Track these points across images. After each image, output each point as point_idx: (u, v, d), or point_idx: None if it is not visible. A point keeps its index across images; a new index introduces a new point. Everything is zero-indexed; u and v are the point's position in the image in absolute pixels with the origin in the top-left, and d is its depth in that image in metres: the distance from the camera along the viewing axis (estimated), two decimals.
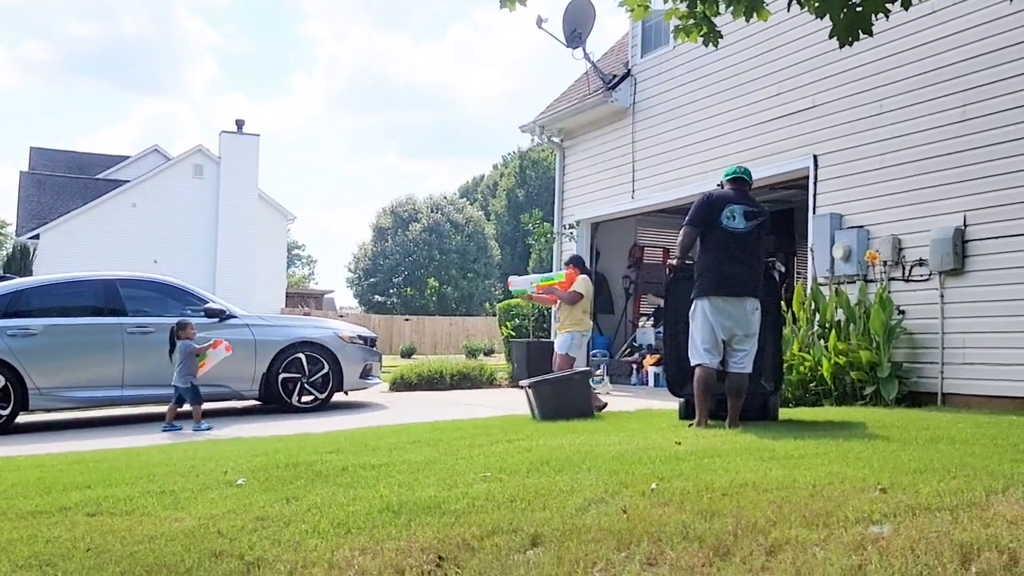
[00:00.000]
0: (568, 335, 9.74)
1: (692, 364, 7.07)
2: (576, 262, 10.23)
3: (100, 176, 40.73)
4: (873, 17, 4.75)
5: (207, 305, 11.15)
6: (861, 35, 4.72)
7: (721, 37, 5.69)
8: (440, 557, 3.47)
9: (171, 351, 9.89)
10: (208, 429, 9.38)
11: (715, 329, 6.92)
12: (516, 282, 10.58)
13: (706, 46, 5.20)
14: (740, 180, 7.26)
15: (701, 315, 6.99)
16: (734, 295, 6.93)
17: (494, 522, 3.83)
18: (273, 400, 11.18)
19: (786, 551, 3.30)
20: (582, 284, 9.82)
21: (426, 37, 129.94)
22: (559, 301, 9.90)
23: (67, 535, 4.06)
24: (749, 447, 5.57)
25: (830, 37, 4.88)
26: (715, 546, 3.40)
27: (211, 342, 9.93)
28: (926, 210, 9.59)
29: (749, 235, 7.01)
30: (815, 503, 3.86)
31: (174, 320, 10.82)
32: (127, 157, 43.81)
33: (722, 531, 3.54)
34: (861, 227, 10.33)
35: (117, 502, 4.73)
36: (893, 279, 9.90)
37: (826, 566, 3.12)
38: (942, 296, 9.39)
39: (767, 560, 3.25)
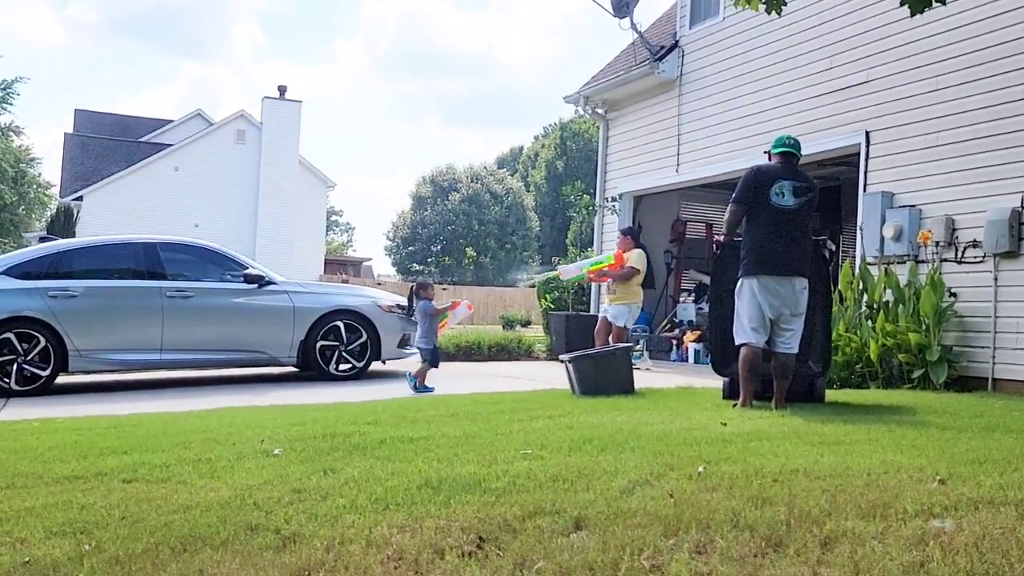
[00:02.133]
0: (625, 307, 9.68)
1: (737, 343, 6.90)
2: (631, 232, 10.13)
3: (143, 139, 41.04)
4: None
5: (246, 271, 11.11)
6: (934, 3, 4.50)
7: (785, 4, 5.47)
8: (481, 538, 3.36)
9: (410, 311, 9.95)
10: (431, 391, 9.35)
11: (763, 308, 6.74)
12: (567, 271, 10.50)
13: (768, 13, 5.00)
14: (789, 154, 7.05)
15: (748, 294, 6.81)
16: (783, 274, 6.75)
17: (536, 502, 3.72)
18: (311, 367, 11.14)
19: (842, 544, 3.15)
20: (637, 259, 9.72)
21: (469, 4, 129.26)
22: (607, 276, 9.78)
23: (102, 502, 4.00)
24: (797, 430, 5.42)
25: (901, 4, 4.66)
26: (767, 536, 3.26)
27: (451, 303, 10.08)
28: (981, 190, 9.31)
29: (799, 212, 6.82)
30: (871, 493, 3.71)
31: (213, 285, 10.83)
32: (170, 121, 44.10)
33: (774, 520, 3.40)
34: (913, 206, 10.05)
35: (153, 469, 4.68)
36: (945, 260, 9.64)
37: (885, 561, 2.98)
38: (996, 279, 9.12)
39: (823, 553, 3.10)
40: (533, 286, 15.95)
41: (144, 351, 10.51)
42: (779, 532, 3.30)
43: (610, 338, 9.81)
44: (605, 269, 9.78)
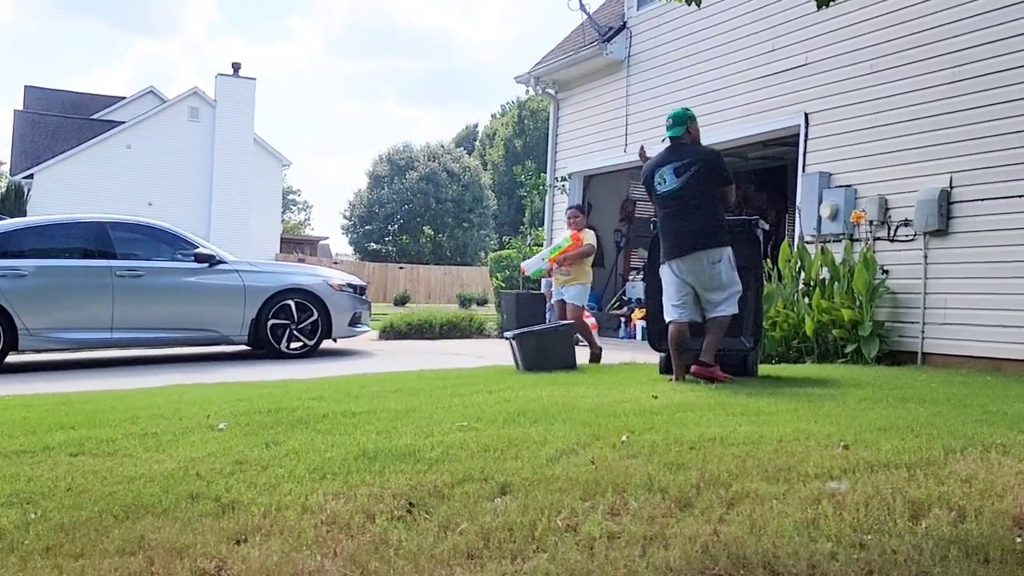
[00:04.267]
0: (581, 286, 9.85)
1: (666, 322, 7.18)
2: (581, 208, 10.41)
3: (95, 117, 40.52)
4: None
5: (197, 250, 11.20)
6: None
7: None
8: (411, 503, 3.56)
9: None
10: None
11: (679, 288, 7.08)
12: (530, 265, 10.55)
13: (688, 4, 5.17)
14: (671, 138, 7.27)
15: (666, 277, 7.21)
16: (685, 255, 7.03)
17: (465, 470, 3.94)
18: (262, 346, 11.28)
19: (744, 504, 3.41)
20: (591, 236, 9.93)
21: None
22: (570, 259, 9.90)
23: (49, 474, 4.15)
24: (723, 403, 5.68)
25: None
26: (677, 498, 3.51)
27: None
28: (913, 171, 9.63)
29: (685, 189, 7.05)
30: (778, 458, 3.97)
31: (164, 264, 10.91)
32: (122, 98, 43.57)
33: (685, 483, 3.64)
34: (849, 186, 10.37)
35: (100, 443, 4.82)
36: (879, 239, 9.97)
37: (781, 519, 3.23)
38: (926, 257, 9.46)
39: (725, 512, 3.35)
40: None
41: (94, 330, 10.59)
42: (688, 494, 3.54)
43: (555, 317, 10.02)
44: (568, 252, 9.93)
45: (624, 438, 4.43)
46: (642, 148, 8.08)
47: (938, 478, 3.64)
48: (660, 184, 7.13)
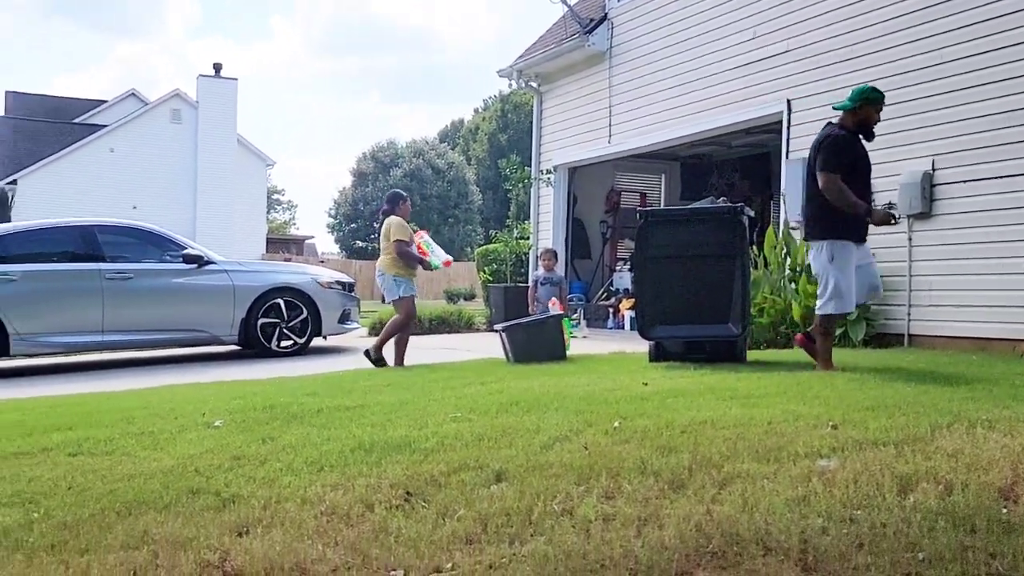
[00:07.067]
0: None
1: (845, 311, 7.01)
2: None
3: (77, 121, 40.34)
4: None
5: (185, 251, 11.22)
6: None
7: None
8: (408, 492, 3.62)
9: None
10: None
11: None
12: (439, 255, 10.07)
13: None
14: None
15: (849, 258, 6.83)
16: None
17: (461, 459, 4.00)
18: (253, 345, 11.31)
19: (736, 484, 3.47)
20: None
21: None
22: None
23: (49, 474, 4.20)
24: (713, 387, 5.75)
25: None
26: (670, 480, 3.57)
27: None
28: (896, 154, 9.69)
29: (808, 175, 6.99)
30: (768, 439, 4.04)
31: (153, 266, 10.93)
32: (104, 102, 43.36)
33: (678, 466, 3.71)
34: None
35: (98, 443, 4.87)
36: None
37: (772, 496, 3.30)
38: (910, 239, 9.54)
39: (718, 492, 3.41)
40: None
41: (85, 333, 10.60)
42: (681, 476, 3.61)
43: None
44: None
45: (616, 424, 4.50)
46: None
47: (925, 454, 3.71)
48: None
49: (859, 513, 3.12)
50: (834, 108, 7.09)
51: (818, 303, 6.93)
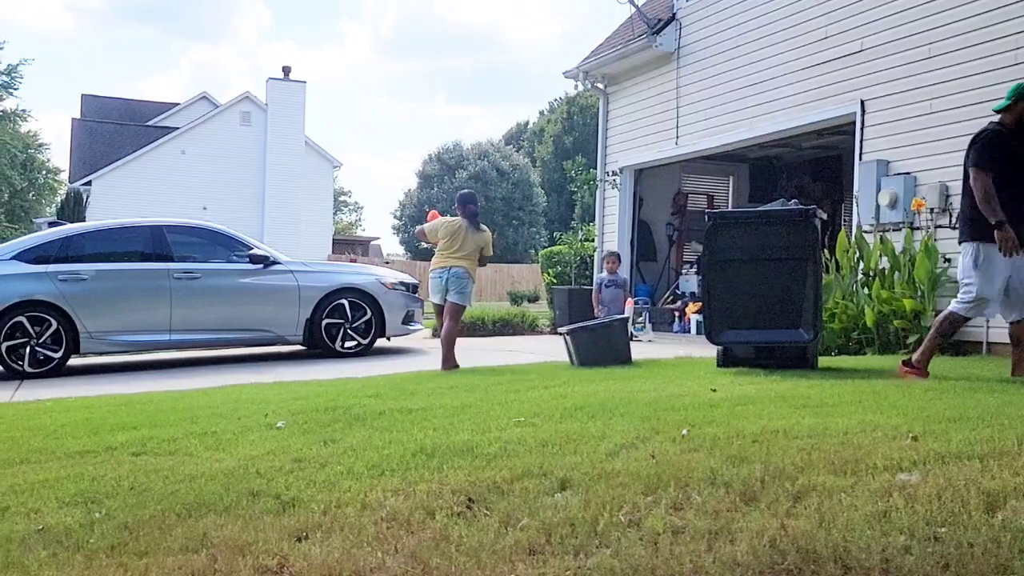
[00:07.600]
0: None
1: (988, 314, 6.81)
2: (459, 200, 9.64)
3: (150, 123, 41.20)
4: None
5: (251, 251, 11.29)
6: None
7: None
8: (470, 499, 3.53)
9: None
10: None
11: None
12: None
13: None
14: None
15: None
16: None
17: (524, 466, 3.90)
18: (317, 345, 11.34)
19: (811, 497, 3.32)
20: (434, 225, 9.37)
21: None
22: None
23: (112, 474, 4.20)
24: (784, 395, 5.58)
25: None
26: (742, 492, 3.43)
27: None
28: None
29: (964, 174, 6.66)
30: (844, 451, 3.87)
31: (220, 266, 11.02)
32: (176, 104, 44.24)
33: (749, 477, 3.56)
34: (908, 174, 10.16)
35: (161, 443, 4.87)
36: (940, 227, 9.75)
37: (851, 512, 3.14)
38: None
39: (792, 506, 3.26)
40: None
41: (153, 332, 10.72)
42: (753, 488, 3.46)
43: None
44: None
45: (684, 432, 4.36)
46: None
47: (1013, 469, 3.51)
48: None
49: (944, 531, 2.95)
50: (994, 111, 6.79)
51: (953, 302, 6.67)
